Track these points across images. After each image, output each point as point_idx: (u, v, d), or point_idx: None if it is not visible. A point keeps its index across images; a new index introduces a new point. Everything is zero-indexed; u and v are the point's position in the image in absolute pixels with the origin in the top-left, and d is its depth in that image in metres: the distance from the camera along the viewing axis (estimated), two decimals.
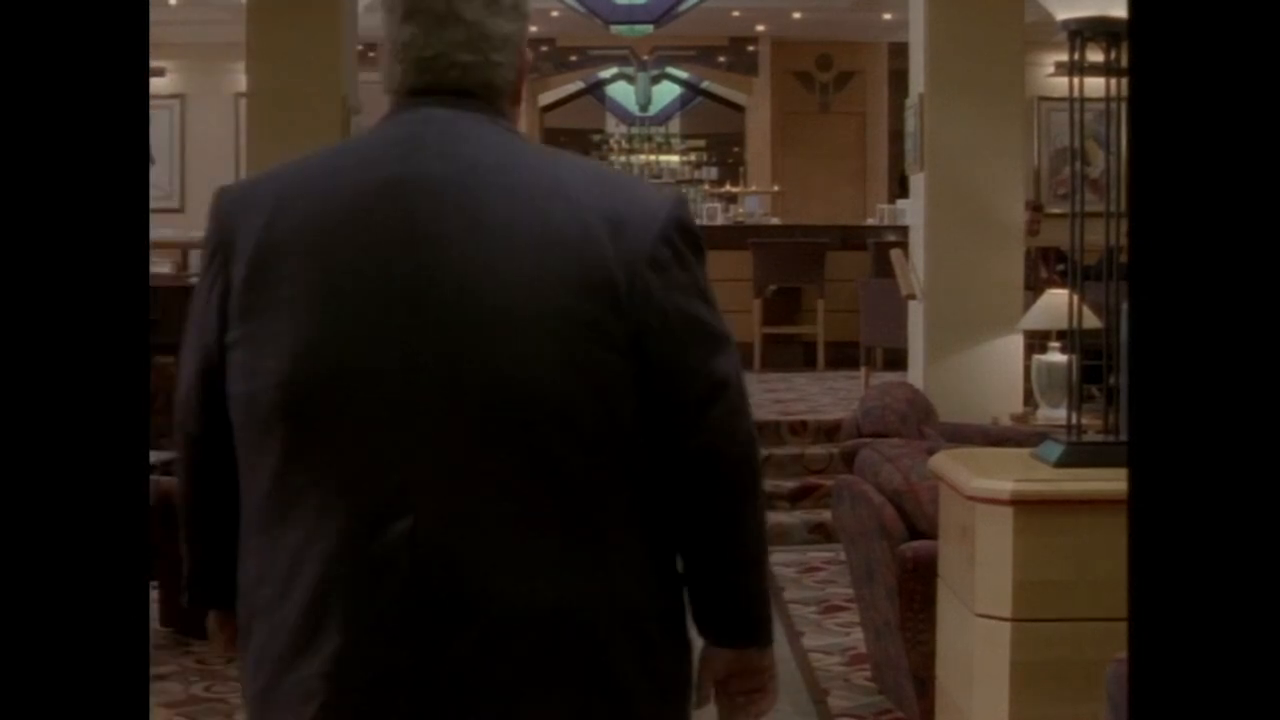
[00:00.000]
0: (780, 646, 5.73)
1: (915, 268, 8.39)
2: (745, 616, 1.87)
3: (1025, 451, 3.62)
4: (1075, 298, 3.63)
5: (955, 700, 3.52)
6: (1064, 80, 14.54)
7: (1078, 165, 3.80)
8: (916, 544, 4.26)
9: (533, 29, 12.52)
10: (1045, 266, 10.38)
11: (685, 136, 16.95)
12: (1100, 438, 3.52)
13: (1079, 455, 3.38)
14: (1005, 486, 3.20)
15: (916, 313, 8.39)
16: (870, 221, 13.05)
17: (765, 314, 11.72)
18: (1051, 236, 13.13)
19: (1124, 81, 3.82)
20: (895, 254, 8.77)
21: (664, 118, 16.56)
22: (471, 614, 1.68)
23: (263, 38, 8.39)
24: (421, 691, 1.69)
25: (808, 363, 11.80)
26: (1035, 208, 10.61)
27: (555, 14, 12.80)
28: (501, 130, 1.81)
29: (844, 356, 11.26)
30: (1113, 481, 3.27)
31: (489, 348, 1.68)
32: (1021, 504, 3.18)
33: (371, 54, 14.75)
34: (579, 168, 1.83)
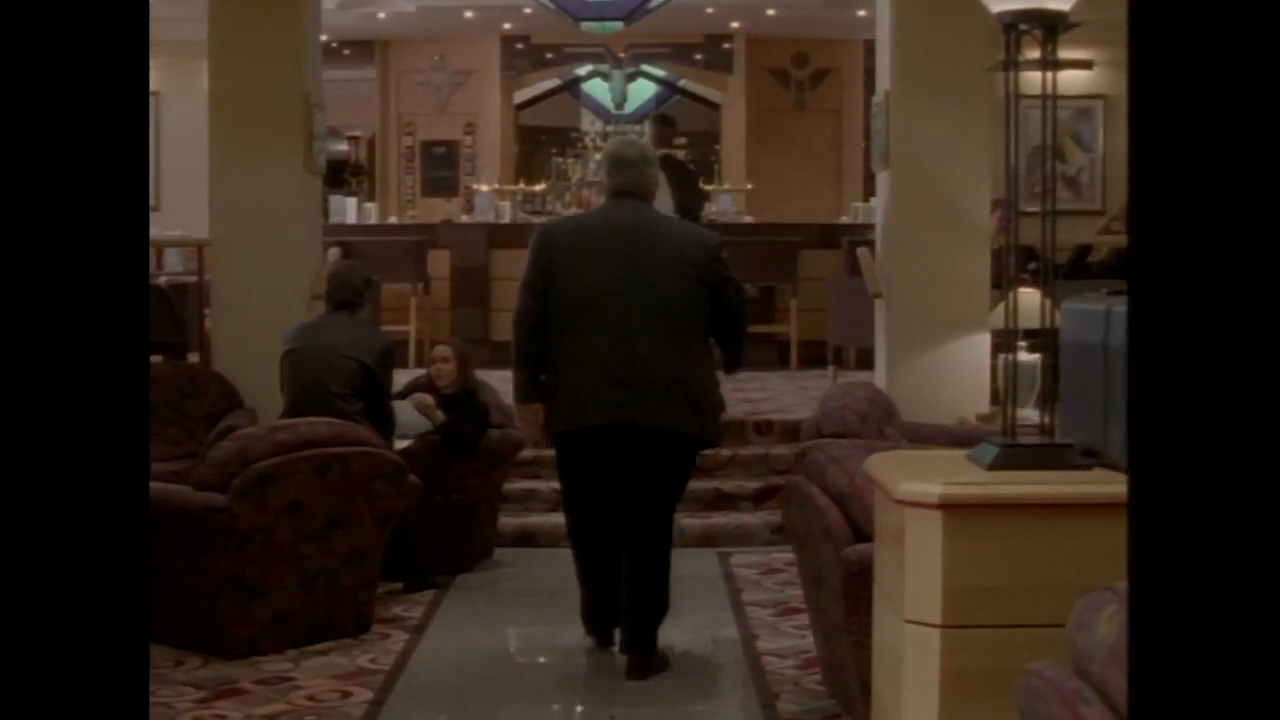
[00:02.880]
0: (734, 649, 5.68)
1: (881, 266, 8.33)
2: (732, 361, 5.50)
3: (962, 453, 3.56)
4: (1011, 296, 3.57)
5: (888, 708, 3.46)
6: (1039, 77, 14.56)
7: (1013, 163, 3.71)
8: (861, 547, 4.20)
9: (506, 25, 12.44)
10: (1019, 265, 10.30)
11: (676, 136, 16.84)
12: (1037, 439, 3.45)
13: (1013, 458, 3.32)
14: (934, 490, 3.13)
15: (882, 312, 8.33)
16: (844, 219, 12.98)
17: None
18: (1027, 235, 13.09)
19: (1058, 76, 3.77)
20: (862, 252, 8.71)
21: (641, 116, 16.45)
22: (652, 378, 5.10)
23: (225, 34, 8.32)
24: (635, 408, 5.08)
25: (781, 362, 11.73)
26: (1007, 206, 10.53)
27: (528, 10, 12.72)
28: (651, 209, 5.44)
29: (818, 356, 11.19)
30: (1046, 485, 3.21)
31: (656, 284, 5.15)
32: (951, 508, 3.11)
33: (347, 52, 14.70)
34: (680, 223, 6.18)
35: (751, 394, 10.01)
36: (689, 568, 6.93)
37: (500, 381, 10.94)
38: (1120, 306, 3.32)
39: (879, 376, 8.40)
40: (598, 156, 16.36)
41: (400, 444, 6.68)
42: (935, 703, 3.13)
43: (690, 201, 8.79)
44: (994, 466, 3.30)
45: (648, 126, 9.32)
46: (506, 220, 12.92)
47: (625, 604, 5.27)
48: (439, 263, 12.33)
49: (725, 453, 8.16)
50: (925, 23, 7.99)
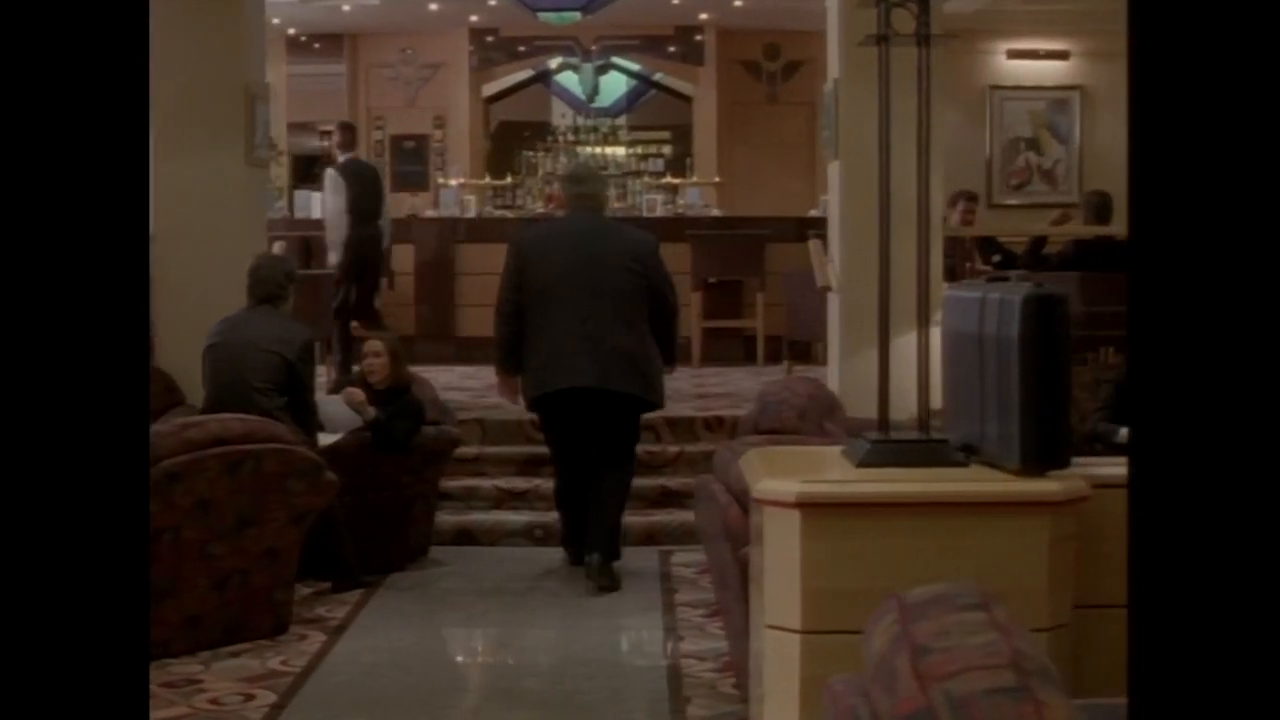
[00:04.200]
0: (656, 650, 5.53)
1: (833, 259, 8.18)
2: (668, 355, 6.66)
3: (839, 449, 3.40)
4: (882, 297, 3.42)
5: (755, 716, 3.30)
6: (1017, 67, 14.38)
7: (887, 144, 3.55)
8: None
9: (473, 18, 12.24)
10: (982, 257, 10.15)
11: (633, 128, 16.62)
12: (912, 435, 3.29)
13: (884, 454, 3.16)
14: (791, 488, 2.97)
15: (834, 305, 8.18)
16: (813, 213, 12.80)
17: (705, 307, 11.51)
18: (1002, 226, 12.88)
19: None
20: (814, 244, 8.57)
21: (618, 110, 16.26)
22: (605, 350, 6.35)
23: (165, 24, 8.16)
24: (591, 374, 6.34)
25: (748, 357, 11.57)
26: (970, 198, 10.43)
27: (493, 2, 12.56)
28: (605, 217, 6.96)
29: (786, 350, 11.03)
30: (910, 482, 3.06)
31: (607, 278, 6.42)
32: (809, 507, 2.95)
33: (318, 45, 14.53)
34: (627, 228, 7.03)
35: (711, 389, 9.87)
36: (628, 565, 6.79)
37: (462, 377, 10.84)
38: (996, 294, 3.17)
39: (831, 371, 8.25)
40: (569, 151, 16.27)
41: (328, 440, 6.53)
42: (796, 713, 2.97)
43: (369, 204, 9.99)
44: (863, 464, 3.14)
45: (335, 133, 10.39)
46: (472, 215, 12.76)
47: (593, 518, 6.57)
48: (405, 258, 12.19)
49: (673, 449, 8.02)
50: (874, 10, 7.81)
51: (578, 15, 11.16)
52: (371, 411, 6.73)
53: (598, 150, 15.58)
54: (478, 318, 12.60)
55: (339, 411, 6.67)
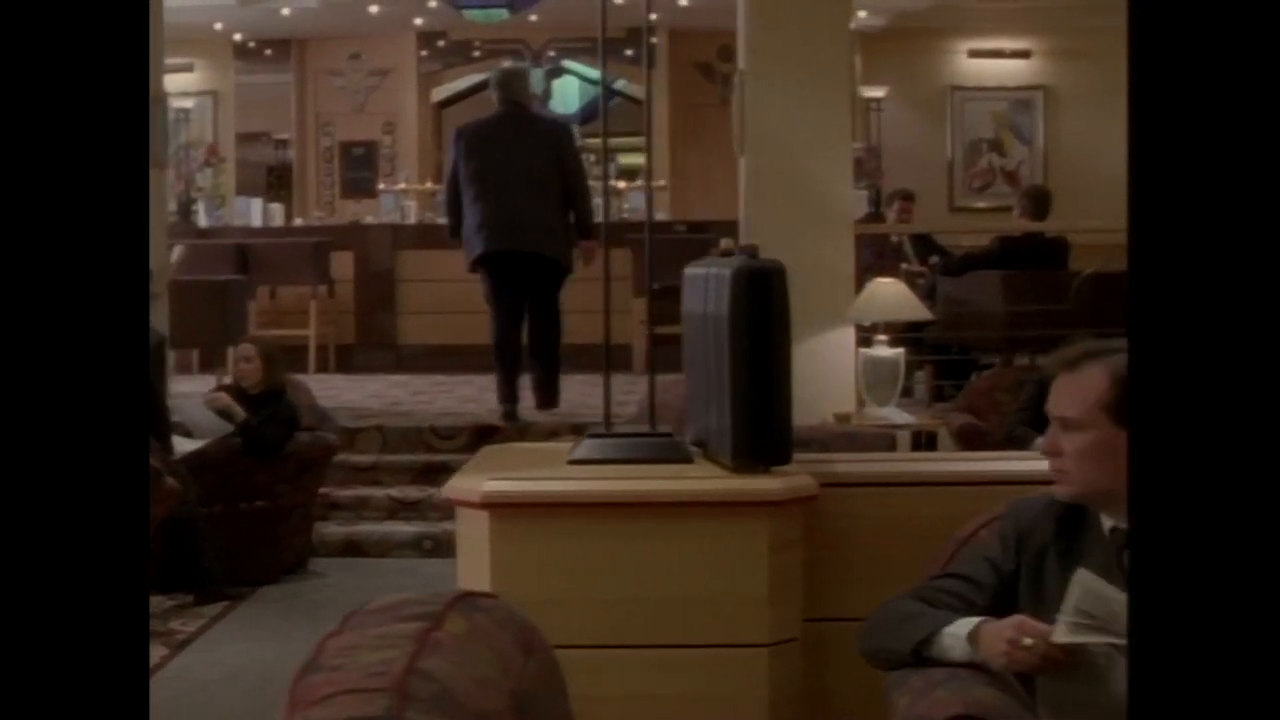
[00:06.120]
0: None
1: None
2: (585, 228, 8.16)
3: (567, 446, 3.13)
4: (607, 298, 3.16)
5: None
6: (979, 66, 14.06)
7: (605, 119, 3.29)
8: None
9: (416, 21, 11.91)
10: (918, 257, 9.87)
11: (590, 135, 16.26)
12: (636, 429, 3.02)
13: (598, 450, 2.89)
14: (478, 486, 2.69)
15: None
16: None
17: (648, 313, 11.22)
18: (946, 227, 12.55)
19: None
20: (726, 242, 8.28)
21: (583, 118, 15.94)
22: (525, 222, 7.96)
23: None
24: (515, 239, 7.99)
25: None
26: (906, 197, 10.17)
27: (433, 4, 12.32)
28: (528, 111, 8.57)
29: None
30: (615, 480, 2.78)
31: (529, 160, 8.00)
32: (496, 508, 2.67)
33: (268, 52, 14.31)
34: (547, 120, 9.50)
35: (637, 396, 9.58)
36: None
37: (392, 385, 10.57)
38: (715, 269, 2.89)
39: None
40: None
41: (189, 446, 6.28)
42: None
43: None
44: (574, 461, 2.87)
45: None
46: (413, 221, 12.50)
47: (532, 366, 8.27)
48: (345, 265, 11.95)
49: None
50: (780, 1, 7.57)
51: (505, 14, 10.91)
52: (240, 413, 6.49)
53: None
54: (420, 325, 12.34)
55: (198, 415, 6.42)
